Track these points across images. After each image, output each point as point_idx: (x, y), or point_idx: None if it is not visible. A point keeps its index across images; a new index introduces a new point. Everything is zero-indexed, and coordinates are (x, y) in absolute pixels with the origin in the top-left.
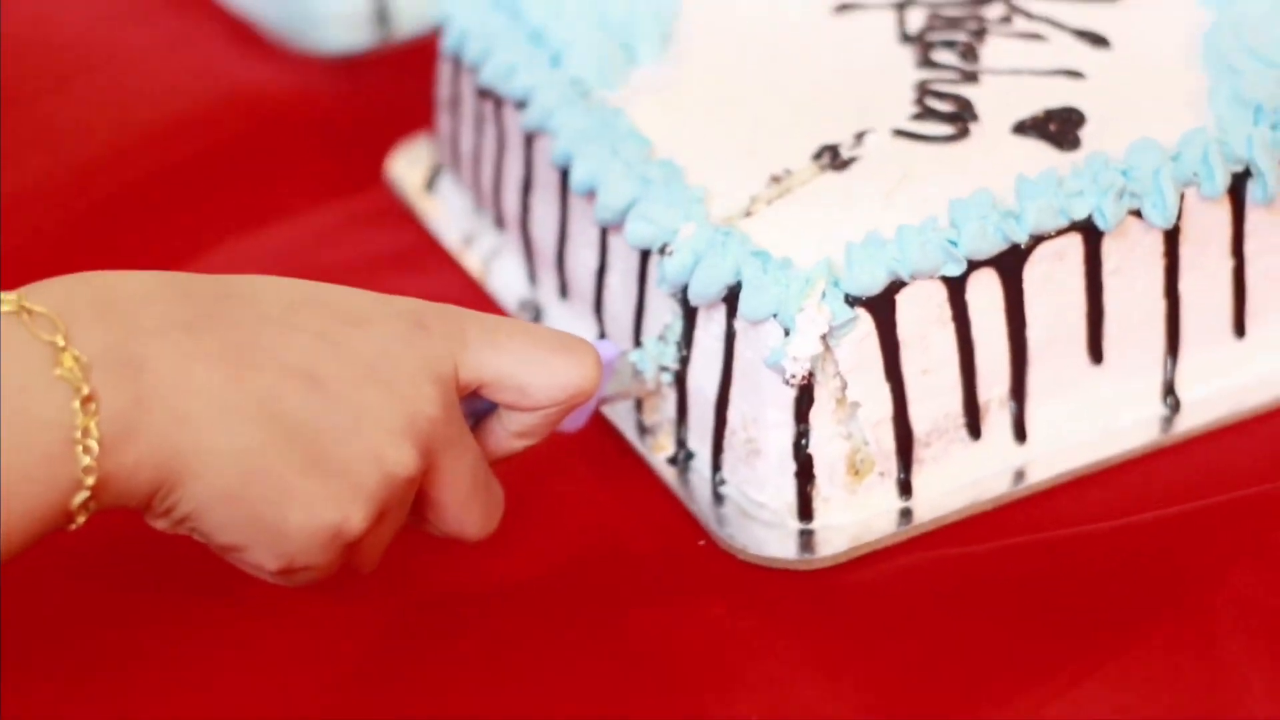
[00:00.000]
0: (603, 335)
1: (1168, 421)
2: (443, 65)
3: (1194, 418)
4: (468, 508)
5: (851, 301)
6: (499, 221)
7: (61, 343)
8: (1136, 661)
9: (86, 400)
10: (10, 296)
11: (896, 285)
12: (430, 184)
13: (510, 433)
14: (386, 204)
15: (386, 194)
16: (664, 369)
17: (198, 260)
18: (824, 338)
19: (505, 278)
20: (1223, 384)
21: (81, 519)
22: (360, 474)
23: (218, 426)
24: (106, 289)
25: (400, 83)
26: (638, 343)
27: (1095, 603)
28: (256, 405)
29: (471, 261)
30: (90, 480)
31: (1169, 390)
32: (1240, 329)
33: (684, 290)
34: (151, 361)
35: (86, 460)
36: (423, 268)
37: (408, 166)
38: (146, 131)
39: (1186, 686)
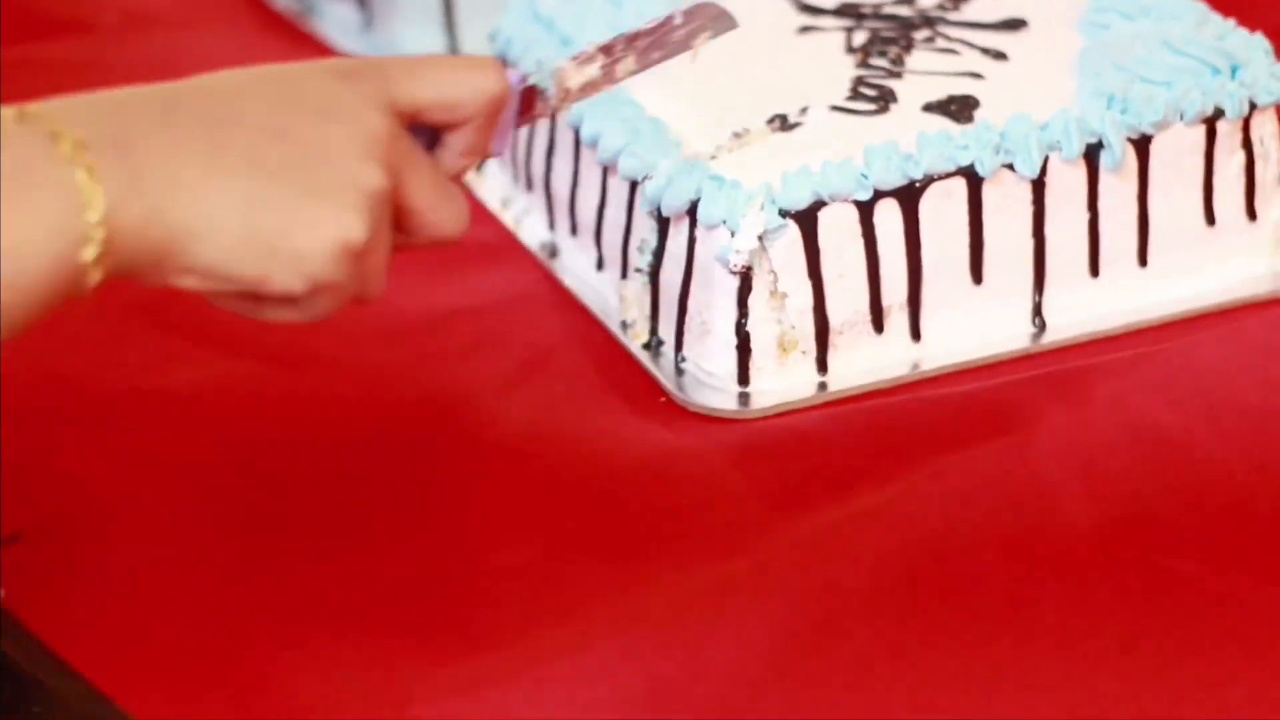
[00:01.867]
0: (601, 261)
1: (1035, 338)
2: None
3: (1056, 336)
4: (438, 210)
5: (784, 214)
6: (529, 185)
7: (60, 128)
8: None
9: (90, 169)
10: (8, 110)
11: (819, 204)
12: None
13: (456, 152)
14: None
15: None
16: (639, 271)
17: None
18: (760, 239)
19: (532, 228)
20: (1081, 314)
21: (96, 275)
22: (345, 194)
23: (210, 182)
24: (88, 99)
25: None
26: (624, 272)
27: (944, 428)
28: (238, 160)
29: (507, 218)
30: (100, 233)
31: (1037, 312)
32: (1095, 270)
33: (659, 208)
34: (138, 142)
35: (94, 215)
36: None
37: None
38: None
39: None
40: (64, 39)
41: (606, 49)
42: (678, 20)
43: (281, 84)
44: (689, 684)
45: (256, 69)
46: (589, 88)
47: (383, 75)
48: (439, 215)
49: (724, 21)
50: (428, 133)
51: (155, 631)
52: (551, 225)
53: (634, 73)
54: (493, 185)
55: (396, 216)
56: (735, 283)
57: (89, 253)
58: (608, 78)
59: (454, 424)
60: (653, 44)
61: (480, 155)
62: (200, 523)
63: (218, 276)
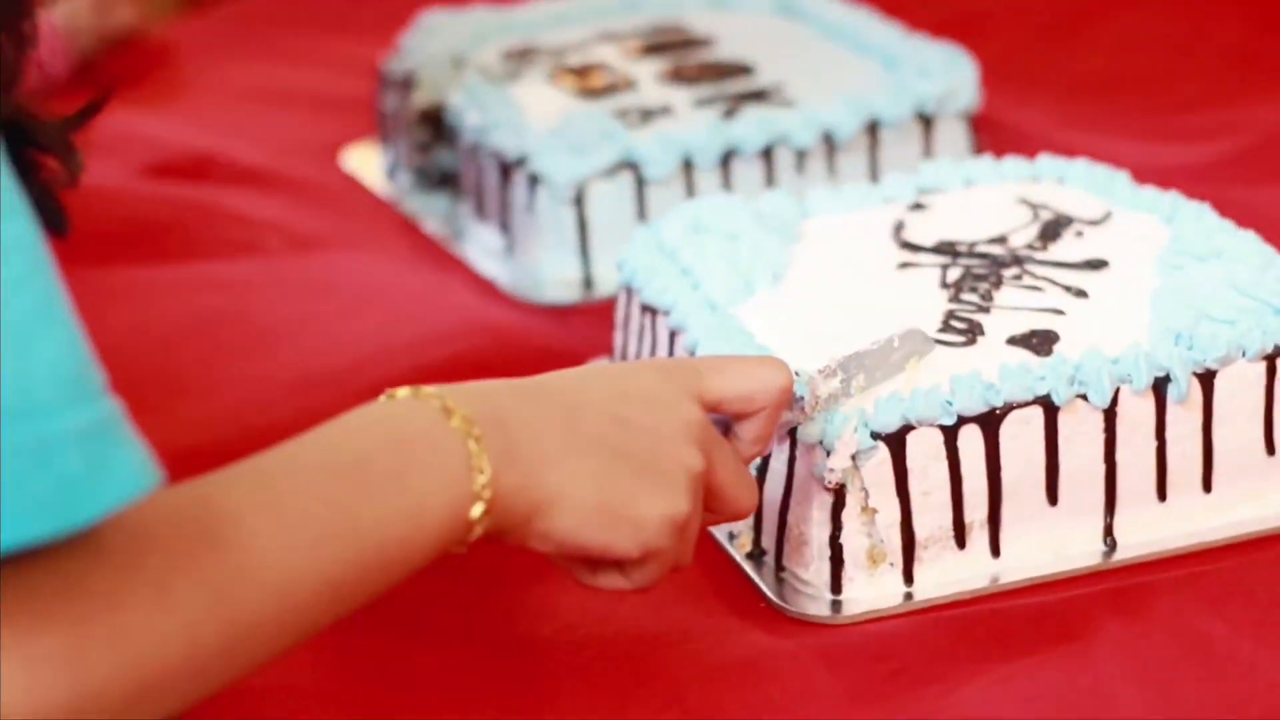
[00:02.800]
0: None
1: (1105, 555)
2: (620, 294)
3: (1125, 554)
4: (737, 490)
5: (875, 436)
6: None
7: (451, 405)
8: (1026, 667)
9: (477, 439)
10: (402, 390)
11: (907, 428)
12: None
13: (746, 441)
14: None
15: None
16: None
17: None
18: (854, 459)
19: None
20: (1148, 535)
21: (478, 531)
22: (673, 474)
23: (568, 458)
24: (463, 386)
25: (594, 323)
26: None
27: (1014, 636)
28: (589, 442)
29: None
30: (487, 494)
31: (1108, 532)
32: (1162, 495)
33: None
34: (509, 421)
35: (482, 480)
36: None
37: None
38: (421, 338)
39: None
40: (238, 260)
41: (844, 365)
42: (895, 344)
43: (615, 379)
44: None
45: (590, 367)
46: (831, 399)
47: (694, 372)
48: (737, 494)
49: (929, 345)
50: (722, 422)
51: None
52: None
53: (864, 389)
54: None
55: (705, 498)
56: (830, 499)
57: (476, 511)
58: (844, 390)
59: (565, 619)
60: (877, 364)
61: (765, 444)
62: None
63: (569, 543)
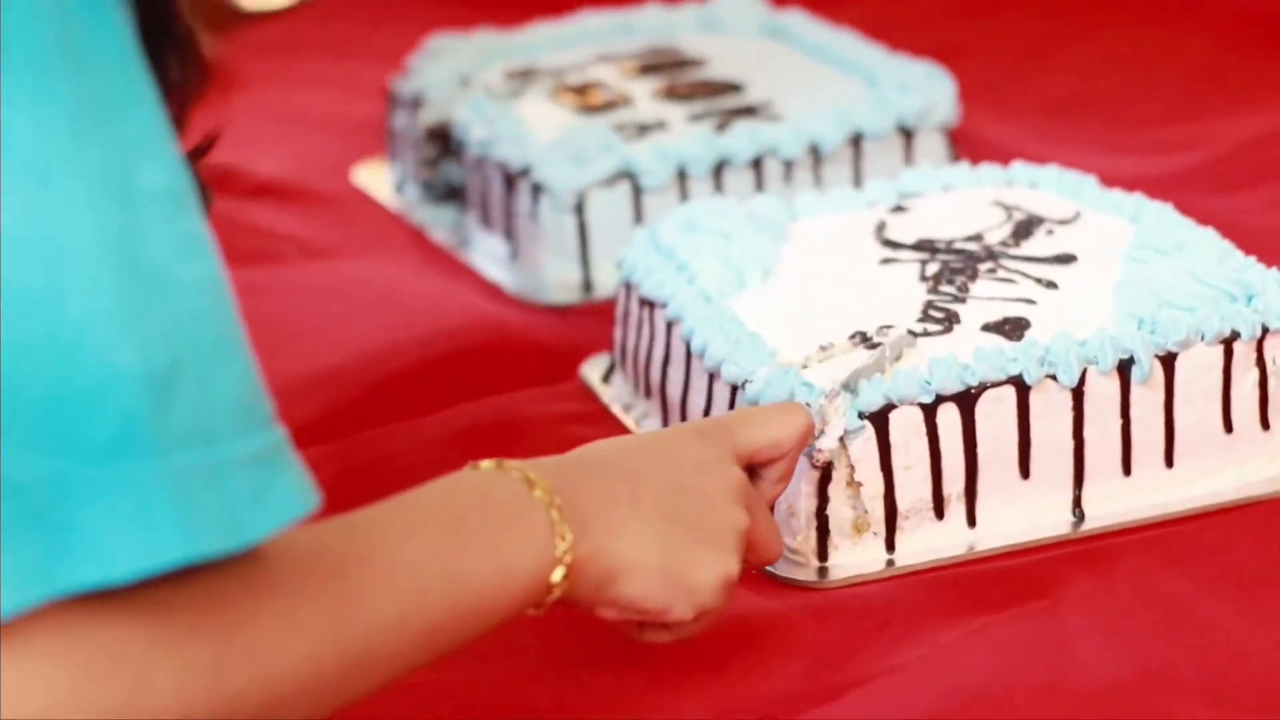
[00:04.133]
0: None
1: (1075, 526)
2: (619, 290)
3: (1093, 524)
4: (770, 538)
5: (861, 415)
6: (647, 392)
7: (533, 477)
8: (999, 621)
9: (559, 509)
10: (486, 462)
11: (890, 406)
12: (606, 378)
13: (771, 482)
14: (579, 390)
15: (580, 385)
16: None
17: (464, 404)
18: (841, 439)
19: (649, 429)
20: (1114, 507)
21: (556, 594)
22: (725, 537)
23: (633, 527)
24: (533, 461)
25: (595, 323)
26: None
27: (989, 594)
28: (652, 512)
29: (628, 420)
30: (568, 559)
31: (1077, 504)
32: (1127, 469)
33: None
34: (580, 493)
35: (563, 545)
36: (600, 423)
37: (593, 369)
38: (430, 336)
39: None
40: (254, 267)
41: (846, 383)
42: (887, 353)
43: (664, 444)
44: None
45: (636, 437)
46: (837, 416)
47: (729, 430)
48: (770, 542)
49: (911, 344)
50: (746, 470)
51: None
52: (665, 424)
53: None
54: (616, 392)
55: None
56: (817, 475)
57: (558, 575)
58: (849, 404)
59: None
60: (872, 372)
61: (787, 483)
62: None
63: (634, 608)
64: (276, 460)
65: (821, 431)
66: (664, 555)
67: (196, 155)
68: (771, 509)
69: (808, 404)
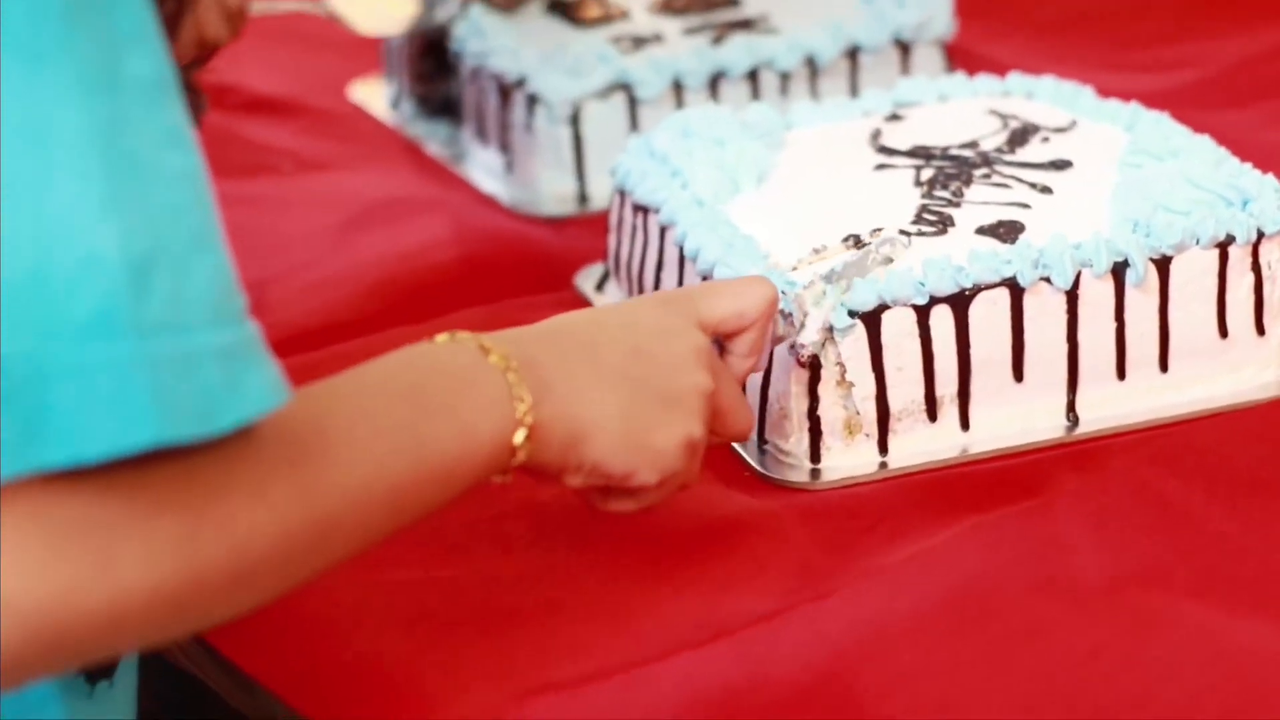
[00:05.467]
0: None
1: (1069, 430)
2: (613, 197)
3: (1086, 429)
4: (738, 410)
5: (852, 314)
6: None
7: (488, 344)
8: (991, 519)
9: (515, 372)
10: (440, 336)
11: (883, 307)
12: (600, 286)
13: (740, 356)
14: (573, 298)
15: (574, 294)
16: None
17: (460, 311)
18: (831, 334)
19: None
20: (1108, 411)
21: (520, 456)
22: (688, 399)
23: (599, 394)
24: (489, 335)
25: (589, 234)
26: None
27: (981, 494)
28: (611, 374)
29: None
30: (529, 420)
31: (1071, 408)
32: (1121, 374)
33: None
34: (539, 359)
35: (522, 407)
36: None
37: (587, 278)
38: (426, 246)
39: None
40: (253, 180)
41: (827, 276)
42: (873, 251)
43: (624, 314)
44: (751, 691)
45: (598, 307)
46: (818, 308)
47: (691, 299)
48: (737, 414)
49: (904, 246)
50: (715, 345)
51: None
52: None
53: (846, 292)
54: (611, 300)
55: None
56: (806, 374)
57: (519, 437)
58: (830, 297)
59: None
60: (857, 270)
61: (758, 357)
62: None
63: (599, 471)
64: (249, 353)
65: (801, 325)
66: (626, 417)
67: (196, 64)
68: (743, 387)
69: (783, 291)
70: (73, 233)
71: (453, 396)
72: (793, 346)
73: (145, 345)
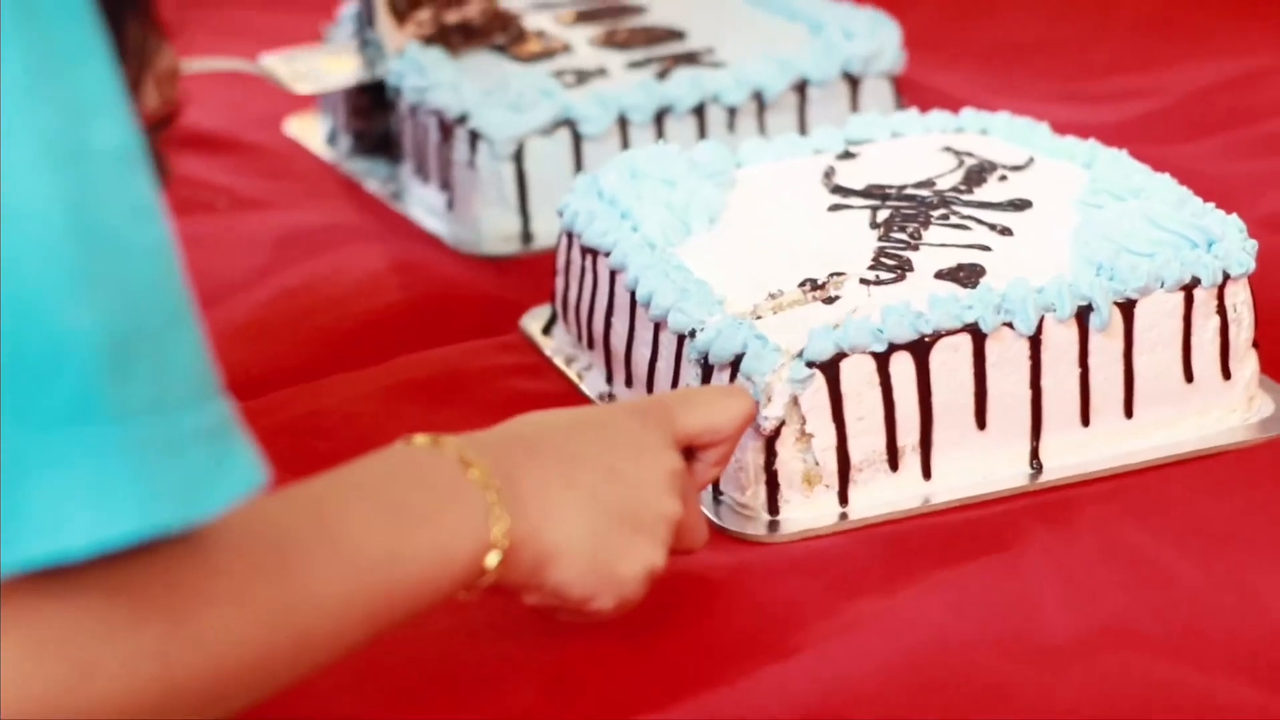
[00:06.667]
0: None
1: (1032, 478)
2: (560, 239)
3: (1051, 476)
4: (696, 527)
5: (811, 364)
6: (590, 344)
7: (470, 457)
8: (956, 575)
9: (497, 492)
10: (420, 437)
11: (840, 355)
12: (546, 330)
13: (708, 465)
14: (519, 342)
15: (520, 338)
16: None
17: (401, 357)
18: (792, 391)
19: (592, 381)
20: (1073, 458)
21: (490, 578)
22: (656, 527)
23: (569, 513)
24: (467, 437)
25: (534, 275)
26: None
27: (945, 548)
28: (587, 499)
29: (570, 373)
30: (504, 543)
31: (1034, 455)
32: (1086, 420)
33: (706, 357)
34: (515, 475)
35: (499, 529)
36: (541, 375)
37: (533, 320)
38: (365, 287)
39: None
40: (185, 217)
41: (800, 354)
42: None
43: (601, 425)
44: None
45: (573, 411)
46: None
47: (669, 412)
48: (696, 529)
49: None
50: (684, 450)
51: None
52: (609, 379)
53: None
54: (558, 344)
55: None
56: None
57: (493, 560)
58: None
59: None
60: None
61: (723, 468)
62: None
63: (559, 595)
64: (230, 431)
65: (768, 400)
66: (595, 544)
67: (159, 127)
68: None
69: (750, 379)
70: (47, 313)
71: (435, 514)
72: (758, 426)
73: (128, 429)
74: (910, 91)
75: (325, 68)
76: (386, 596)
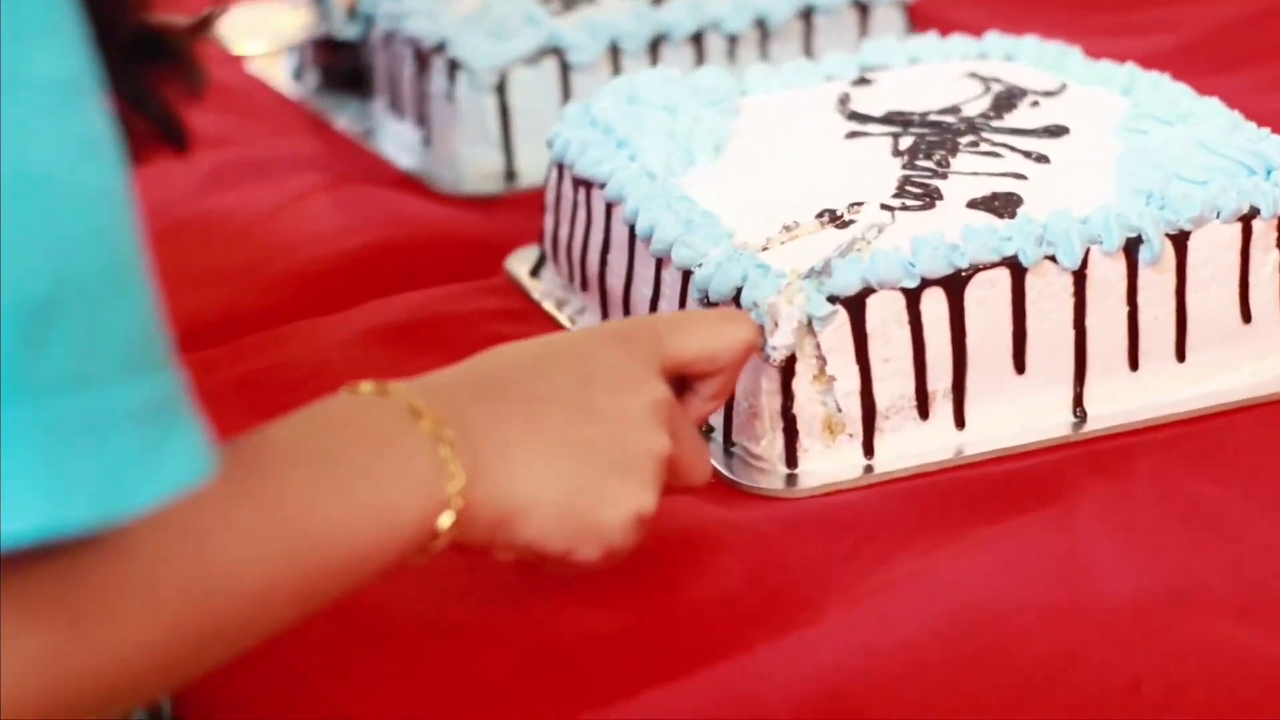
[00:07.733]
0: None
1: (1075, 428)
2: (549, 172)
3: (1096, 425)
4: (696, 462)
5: (832, 299)
6: (583, 285)
7: (420, 405)
8: (1002, 532)
9: (450, 444)
10: (366, 384)
11: (868, 290)
12: (535, 272)
13: (704, 398)
14: (504, 285)
15: (505, 280)
16: None
17: (380, 301)
18: (809, 324)
19: (585, 324)
20: (1120, 406)
21: (444, 540)
22: (643, 466)
23: (535, 463)
24: (421, 381)
25: (519, 215)
26: None
27: (987, 503)
28: (558, 443)
29: (561, 317)
30: (458, 501)
31: (1078, 403)
32: (1134, 364)
33: (707, 294)
34: (473, 422)
35: (453, 486)
36: (528, 320)
37: (520, 263)
38: (334, 229)
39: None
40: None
41: (808, 275)
42: (858, 235)
43: (575, 357)
44: None
45: (544, 341)
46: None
47: (655, 336)
48: (696, 464)
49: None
50: (677, 381)
51: None
52: (605, 319)
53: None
54: (547, 287)
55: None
56: (778, 370)
57: (446, 520)
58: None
59: None
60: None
61: (722, 401)
62: None
63: (533, 550)
64: (169, 413)
65: (774, 327)
66: (568, 492)
67: (204, 26)
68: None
69: (755, 305)
70: None
71: (376, 470)
72: (761, 350)
73: (38, 409)
74: (923, 21)
75: (276, 26)
76: (320, 571)
